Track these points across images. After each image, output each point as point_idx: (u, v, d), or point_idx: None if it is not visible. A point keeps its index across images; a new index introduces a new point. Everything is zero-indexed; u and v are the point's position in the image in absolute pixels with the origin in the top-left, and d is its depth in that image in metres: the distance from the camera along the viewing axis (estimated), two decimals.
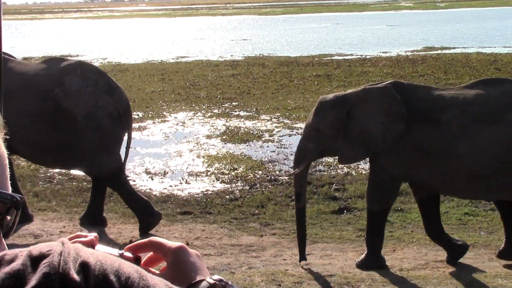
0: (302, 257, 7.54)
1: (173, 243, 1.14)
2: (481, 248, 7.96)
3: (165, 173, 11.87)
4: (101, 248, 1.08)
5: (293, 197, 10.08)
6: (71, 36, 51.16)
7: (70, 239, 1.08)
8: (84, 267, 0.87)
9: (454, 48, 32.90)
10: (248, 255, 7.90)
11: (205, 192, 10.71)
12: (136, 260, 1.13)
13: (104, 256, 0.91)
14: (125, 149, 8.83)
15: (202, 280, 1.09)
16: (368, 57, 29.98)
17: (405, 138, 7.05)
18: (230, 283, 1.09)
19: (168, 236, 8.65)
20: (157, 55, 34.24)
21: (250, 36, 47.36)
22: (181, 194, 10.68)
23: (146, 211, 8.68)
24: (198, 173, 11.77)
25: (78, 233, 1.13)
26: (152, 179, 11.58)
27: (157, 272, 1.14)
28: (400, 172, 7.22)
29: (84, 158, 8.58)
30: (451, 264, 7.39)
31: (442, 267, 7.34)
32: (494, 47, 32.24)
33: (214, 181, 11.33)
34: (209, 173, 11.75)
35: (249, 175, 11.54)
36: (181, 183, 11.30)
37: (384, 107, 7.11)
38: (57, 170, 11.28)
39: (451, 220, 9.11)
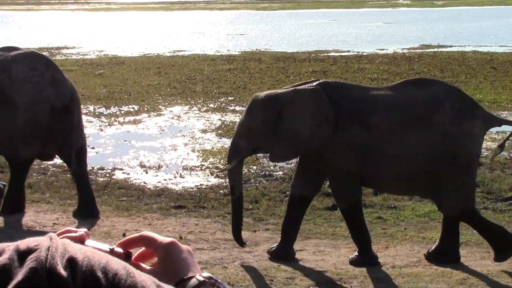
0: (240, 243, 7.76)
1: (164, 239, 1.13)
2: (473, 247, 7.98)
3: (159, 167, 11.87)
4: (91, 243, 1.07)
5: (287, 193, 10.10)
6: (68, 28, 51.02)
7: (59, 234, 1.08)
8: (71, 262, 0.86)
9: (451, 46, 32.92)
10: (241, 250, 7.90)
11: (199, 187, 10.70)
12: (127, 256, 1.12)
13: (92, 252, 0.91)
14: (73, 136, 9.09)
15: (192, 277, 1.09)
16: (364, 54, 29.98)
17: (343, 138, 7.20)
18: (219, 280, 1.09)
19: (161, 230, 8.65)
20: (154, 48, 34.17)
21: (247, 31, 47.31)
22: (175, 188, 10.68)
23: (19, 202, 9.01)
24: (193, 167, 11.77)
25: (68, 228, 1.13)
26: (147, 172, 11.58)
27: (148, 268, 1.14)
28: (353, 168, 7.35)
29: (4, 142, 8.77)
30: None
31: (435, 264, 7.35)
32: (491, 46, 32.26)
33: (208, 175, 11.33)
34: (203, 168, 11.75)
35: (244, 170, 11.52)
36: (175, 177, 11.30)
37: (313, 109, 7.20)
38: (51, 162, 11.25)
39: None
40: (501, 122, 7.66)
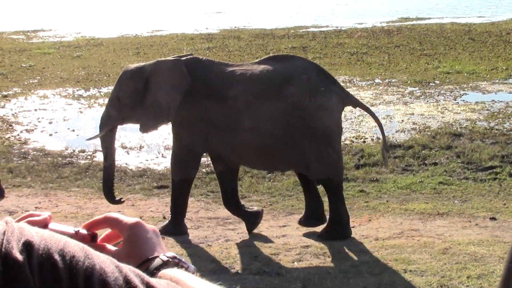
0: (116, 201, 8.01)
1: (129, 219, 1.12)
2: (455, 216, 8.05)
3: (141, 147, 11.83)
4: (55, 226, 1.07)
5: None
6: (44, 11, 50.41)
7: (21, 218, 1.07)
8: (27, 246, 0.85)
9: (429, 18, 32.96)
10: (225, 228, 7.92)
11: None
12: (92, 237, 1.12)
13: (50, 235, 0.90)
14: None
15: (156, 257, 1.08)
16: (343, 28, 29.93)
17: (198, 112, 7.29)
18: (183, 260, 1.09)
19: (144, 211, 8.65)
20: (132, 29, 33.89)
21: (225, 9, 47.02)
22: (157, 168, 10.66)
23: None
24: None
25: (31, 212, 1.12)
26: (128, 153, 11.54)
27: (114, 249, 1.13)
28: (196, 144, 7.45)
29: None
30: (249, 232, 7.64)
31: (417, 236, 7.42)
32: (468, 17, 32.35)
33: None
34: None
35: None
36: (157, 157, 11.27)
37: (171, 80, 7.31)
38: (31, 146, 11.17)
39: (426, 190, 9.20)
40: (356, 103, 7.65)
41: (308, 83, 7.16)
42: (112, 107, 7.68)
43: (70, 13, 46.54)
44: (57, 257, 0.86)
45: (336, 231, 7.40)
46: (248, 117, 7.13)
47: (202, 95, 7.25)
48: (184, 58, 7.51)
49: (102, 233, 1.19)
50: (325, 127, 7.19)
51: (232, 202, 7.83)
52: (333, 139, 7.32)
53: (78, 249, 0.89)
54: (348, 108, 13.90)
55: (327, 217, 7.64)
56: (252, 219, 7.71)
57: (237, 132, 7.19)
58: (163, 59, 7.71)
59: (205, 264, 6.65)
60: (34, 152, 11.52)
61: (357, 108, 7.86)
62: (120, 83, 7.61)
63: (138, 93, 7.44)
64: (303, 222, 7.78)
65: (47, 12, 48.67)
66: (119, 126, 8.00)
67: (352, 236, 7.48)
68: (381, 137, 8.19)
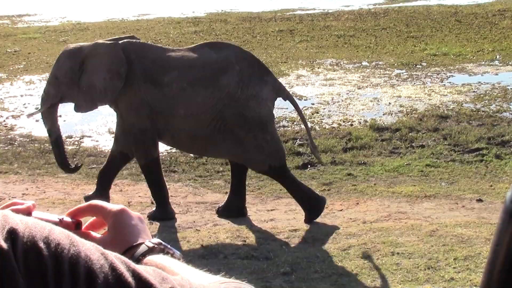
0: (70, 169, 8.23)
1: (114, 206, 1.12)
2: (442, 199, 8.11)
3: None
4: (38, 214, 1.06)
5: None
6: None
7: (4, 207, 1.06)
8: (12, 234, 0.85)
9: (416, 0, 32.93)
10: (213, 213, 7.93)
11: (169, 151, 10.66)
12: (77, 225, 1.11)
13: (34, 222, 0.90)
14: None
15: (141, 244, 1.08)
16: (330, 11, 29.86)
17: (138, 96, 7.37)
18: (169, 246, 1.09)
19: (132, 196, 8.65)
20: (118, 13, 33.66)
21: None
22: None
23: None
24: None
25: (14, 200, 1.11)
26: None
27: (98, 236, 1.13)
28: (145, 125, 7.49)
29: None
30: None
31: (404, 218, 7.46)
32: None
33: None
34: None
35: None
36: None
37: (107, 63, 7.36)
38: (18, 132, 11.12)
39: (413, 172, 9.25)
40: (287, 95, 7.73)
41: (241, 73, 7.27)
42: (51, 85, 7.80)
43: None
44: (42, 244, 0.86)
45: (312, 209, 7.43)
46: (182, 104, 7.23)
47: (139, 80, 7.33)
48: (121, 41, 7.53)
49: (87, 220, 1.19)
50: (259, 116, 7.31)
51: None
52: (268, 126, 7.43)
53: (63, 236, 0.89)
54: (335, 91, 13.96)
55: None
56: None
57: (172, 118, 7.30)
58: (101, 41, 7.81)
59: (194, 248, 6.67)
60: (21, 138, 11.46)
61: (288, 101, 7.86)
62: (59, 61, 7.73)
63: (74, 73, 7.52)
64: (220, 211, 7.83)
65: None
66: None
67: (340, 219, 7.52)
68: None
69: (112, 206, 1.12)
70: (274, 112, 7.65)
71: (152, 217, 7.51)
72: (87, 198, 7.64)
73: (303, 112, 8.03)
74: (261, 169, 7.62)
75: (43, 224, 0.90)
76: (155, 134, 7.59)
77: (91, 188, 8.91)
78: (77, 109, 7.85)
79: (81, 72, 7.50)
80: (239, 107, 7.20)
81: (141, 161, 7.79)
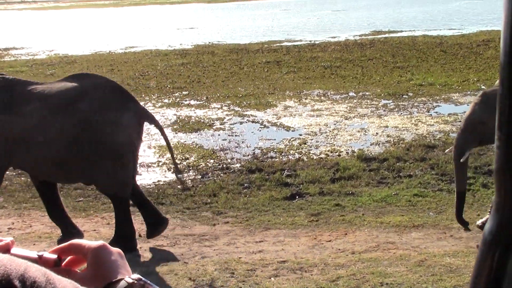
0: None
1: (93, 243, 1.12)
2: (430, 228, 8.11)
3: None
4: (17, 251, 1.05)
5: (246, 185, 10.14)
6: (16, 28, 50.08)
7: None
8: None
9: (401, 31, 33.27)
10: (201, 245, 7.89)
11: (157, 183, 10.64)
12: (56, 262, 1.10)
13: (10, 260, 0.89)
14: None
15: (121, 279, 1.07)
16: (317, 42, 30.11)
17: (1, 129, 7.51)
18: (149, 282, 1.08)
19: None
20: (105, 45, 33.77)
21: (199, 24, 47.08)
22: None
23: None
24: (150, 164, 11.69)
25: None
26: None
27: (78, 272, 1.12)
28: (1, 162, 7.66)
29: None
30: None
31: (393, 248, 7.45)
32: (440, 30, 32.73)
33: (166, 171, 11.27)
34: (160, 164, 11.68)
35: (201, 164, 11.51)
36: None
37: None
38: None
39: (401, 202, 9.25)
40: (153, 121, 7.96)
41: (99, 99, 7.38)
42: None
43: (42, 31, 46.28)
44: (17, 282, 0.85)
45: (119, 246, 7.43)
46: (42, 131, 7.35)
47: (4, 113, 7.42)
48: None
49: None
50: (115, 143, 7.40)
51: (55, 213, 8.12)
52: (124, 155, 7.53)
53: (39, 274, 0.88)
54: (322, 122, 14.02)
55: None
56: (72, 232, 7.96)
57: (33, 146, 7.39)
58: None
59: (182, 281, 6.61)
60: (7, 172, 11.38)
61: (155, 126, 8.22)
62: None
63: None
64: (149, 235, 7.96)
65: (19, 29, 48.35)
66: None
67: (328, 250, 7.49)
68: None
69: (91, 242, 1.12)
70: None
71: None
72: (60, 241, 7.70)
73: (169, 139, 8.28)
74: (107, 192, 7.86)
75: (19, 262, 0.89)
76: (4, 169, 7.77)
77: (78, 222, 8.86)
78: None
79: None
80: (96, 133, 7.33)
81: None
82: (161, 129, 8.16)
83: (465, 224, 7.71)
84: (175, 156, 8.67)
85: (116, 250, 1.13)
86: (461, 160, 7.68)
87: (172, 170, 11.22)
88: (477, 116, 7.41)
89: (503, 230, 0.76)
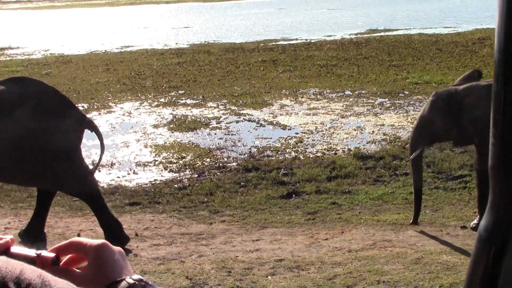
0: None
1: (94, 241, 1.10)
2: (427, 226, 8.12)
3: (112, 164, 11.75)
4: (17, 250, 1.05)
5: (242, 184, 10.15)
6: (11, 28, 49.99)
7: None
8: None
9: (397, 30, 33.30)
10: (198, 244, 7.89)
11: (153, 182, 10.64)
12: (54, 261, 1.10)
13: (5, 262, 0.88)
14: None
15: (122, 280, 1.06)
16: (313, 41, 30.12)
17: None
18: (150, 283, 1.07)
19: None
20: (101, 45, 33.73)
21: (195, 24, 47.06)
22: (129, 185, 10.59)
23: None
24: (146, 163, 11.69)
25: None
26: (99, 171, 11.42)
27: (79, 272, 1.11)
28: None
29: None
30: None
31: (390, 246, 7.46)
32: (435, 28, 32.77)
33: (162, 170, 11.26)
34: (157, 163, 11.68)
35: (197, 163, 11.51)
36: (128, 173, 11.20)
37: None
38: None
39: (397, 200, 9.26)
40: (93, 127, 8.03)
41: (38, 106, 7.39)
42: None
43: (38, 30, 46.21)
44: (12, 285, 0.84)
45: (114, 242, 7.42)
46: None
47: None
48: None
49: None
50: (61, 147, 7.45)
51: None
52: (71, 157, 7.57)
53: (35, 276, 0.88)
54: (319, 120, 14.02)
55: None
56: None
57: None
58: None
59: (179, 280, 6.61)
60: None
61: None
62: None
63: None
64: (22, 234, 7.93)
65: (14, 29, 48.27)
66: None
67: (325, 248, 7.50)
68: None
69: (92, 241, 1.11)
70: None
71: None
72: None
73: (104, 145, 8.25)
74: (72, 193, 8.00)
75: (14, 264, 0.89)
76: None
77: (74, 221, 8.87)
78: None
79: None
80: (36, 139, 7.32)
81: None
82: (100, 135, 8.12)
83: (415, 222, 8.05)
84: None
85: (118, 249, 1.12)
86: (411, 157, 7.86)
87: (168, 169, 11.22)
88: (427, 115, 7.70)
89: (498, 227, 0.77)
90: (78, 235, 8.06)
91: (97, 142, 8.30)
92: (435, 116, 7.66)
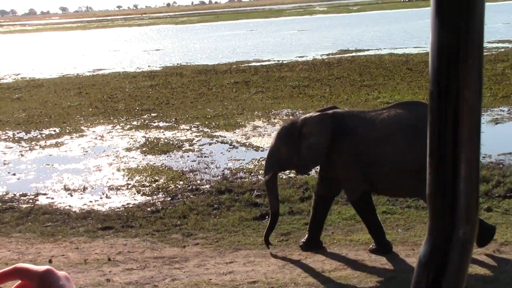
0: None
1: (40, 267, 1.11)
2: (399, 245, 8.17)
3: (84, 189, 11.67)
4: None
5: (215, 206, 10.14)
6: None
7: None
8: None
9: (368, 50, 33.66)
10: (171, 267, 7.85)
11: (126, 206, 10.58)
12: None
13: None
14: None
15: None
16: (285, 62, 30.32)
17: None
18: None
19: (89, 253, 8.51)
20: (73, 68, 33.61)
21: (167, 46, 47.11)
22: (101, 209, 10.52)
23: None
24: (119, 187, 11.63)
25: None
26: (71, 195, 11.36)
27: None
28: None
29: None
30: None
31: (363, 266, 7.49)
32: (406, 48, 33.18)
33: (135, 194, 11.21)
34: (129, 186, 11.63)
35: (170, 186, 11.48)
36: (101, 198, 11.13)
37: None
38: None
39: None
40: None
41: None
42: None
43: (8, 54, 45.90)
44: None
45: None
46: None
47: None
48: None
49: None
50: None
51: None
52: None
53: None
54: None
55: None
56: None
57: None
58: None
59: None
60: None
61: None
62: None
63: None
64: None
65: None
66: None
67: (298, 269, 7.51)
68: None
69: (38, 267, 1.11)
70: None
71: None
72: None
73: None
74: None
75: None
76: None
77: (45, 247, 8.77)
78: None
79: None
80: None
81: None
82: None
83: (267, 244, 8.24)
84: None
85: (63, 274, 1.13)
86: (260, 183, 8.24)
87: (141, 192, 11.18)
88: (274, 143, 8.21)
89: (436, 253, 0.80)
90: (50, 262, 7.98)
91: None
92: (281, 144, 8.13)
